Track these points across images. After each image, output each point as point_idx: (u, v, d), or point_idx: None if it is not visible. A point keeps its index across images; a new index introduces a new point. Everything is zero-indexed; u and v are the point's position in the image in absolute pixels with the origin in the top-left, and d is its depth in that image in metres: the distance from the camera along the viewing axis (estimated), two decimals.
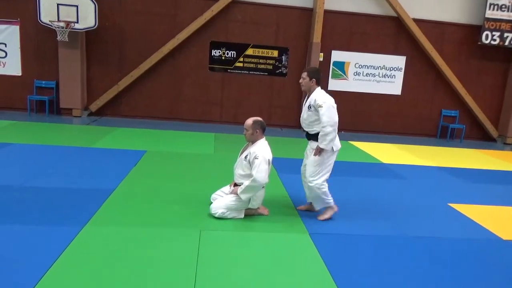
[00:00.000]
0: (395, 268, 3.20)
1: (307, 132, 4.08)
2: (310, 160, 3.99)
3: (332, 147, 3.92)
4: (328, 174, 4.03)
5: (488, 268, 3.33)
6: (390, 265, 3.25)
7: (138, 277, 2.79)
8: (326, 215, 4.09)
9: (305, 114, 4.03)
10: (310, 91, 4.03)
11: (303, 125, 4.10)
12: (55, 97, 9.09)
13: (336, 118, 3.88)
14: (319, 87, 4.02)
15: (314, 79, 3.98)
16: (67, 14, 8.32)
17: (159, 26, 9.19)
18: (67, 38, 8.38)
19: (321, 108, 3.83)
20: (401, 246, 3.63)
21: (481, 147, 9.52)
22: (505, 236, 4.02)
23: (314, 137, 3.97)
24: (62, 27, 8.30)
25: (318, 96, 3.92)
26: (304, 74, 4.01)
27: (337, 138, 4.00)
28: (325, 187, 4.01)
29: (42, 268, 2.78)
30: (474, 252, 3.62)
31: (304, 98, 4.15)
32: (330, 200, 4.07)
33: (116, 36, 9.15)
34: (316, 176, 3.96)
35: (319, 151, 3.89)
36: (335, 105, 3.93)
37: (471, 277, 3.16)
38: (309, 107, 3.96)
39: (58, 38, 8.36)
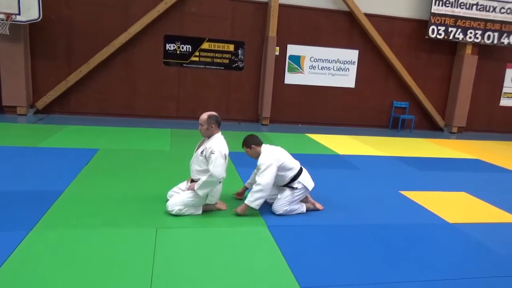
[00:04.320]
0: (349, 255, 3.29)
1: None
2: (284, 199, 4.01)
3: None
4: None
5: (437, 250, 3.51)
6: (345, 252, 3.34)
7: (91, 280, 2.66)
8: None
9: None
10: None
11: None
12: None
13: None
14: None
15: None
16: (7, 5, 7.78)
17: (109, 18, 8.83)
18: (8, 31, 7.84)
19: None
20: (355, 234, 3.74)
21: (429, 136, 10.03)
22: (451, 220, 4.26)
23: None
24: (2, 19, 7.75)
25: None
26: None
27: (309, 177, 4.12)
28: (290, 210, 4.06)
29: None
30: (424, 236, 3.80)
31: None
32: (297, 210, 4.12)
33: (63, 29, 8.69)
34: (281, 209, 4.00)
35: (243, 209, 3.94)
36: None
37: (421, 258, 3.31)
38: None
39: None
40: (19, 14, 7.86)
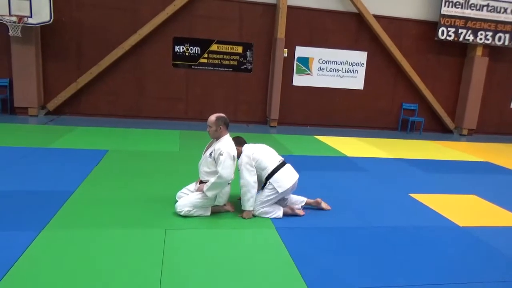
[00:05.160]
0: (358, 258, 3.28)
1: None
2: (257, 200, 3.96)
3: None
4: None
5: (447, 253, 3.48)
6: (354, 255, 3.33)
7: (100, 280, 2.69)
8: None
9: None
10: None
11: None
12: (9, 96, 8.63)
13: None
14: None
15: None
16: (19, 8, 7.90)
17: (119, 21, 8.91)
18: (20, 34, 7.96)
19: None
20: (364, 236, 3.72)
21: (439, 139, 9.94)
22: (461, 223, 4.22)
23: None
24: (14, 22, 7.87)
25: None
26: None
27: (285, 178, 3.97)
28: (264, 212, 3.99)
29: None
30: (434, 239, 3.77)
31: None
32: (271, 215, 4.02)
33: (74, 31, 8.79)
34: (256, 211, 3.97)
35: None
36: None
37: (430, 262, 3.28)
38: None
39: (10, 33, 7.94)
40: (30, 16, 7.97)
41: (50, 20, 8.14)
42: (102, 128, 7.96)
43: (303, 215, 4.11)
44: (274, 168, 3.98)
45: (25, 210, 3.70)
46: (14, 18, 7.87)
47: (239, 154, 3.99)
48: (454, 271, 3.18)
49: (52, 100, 8.89)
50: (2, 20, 7.88)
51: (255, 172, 3.93)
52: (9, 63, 8.43)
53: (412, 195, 5.07)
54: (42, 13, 8.06)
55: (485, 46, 10.44)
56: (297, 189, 4.14)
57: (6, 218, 3.51)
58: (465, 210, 4.70)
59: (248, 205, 3.89)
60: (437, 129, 11.13)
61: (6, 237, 3.16)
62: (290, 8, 9.45)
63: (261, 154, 4.02)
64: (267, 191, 3.95)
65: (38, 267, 2.79)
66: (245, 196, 3.88)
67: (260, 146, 4.14)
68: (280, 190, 3.92)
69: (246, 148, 4.03)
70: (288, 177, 3.99)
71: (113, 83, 9.19)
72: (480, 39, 10.26)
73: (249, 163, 3.91)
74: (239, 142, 4.04)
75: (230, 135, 3.98)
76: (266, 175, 3.96)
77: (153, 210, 3.93)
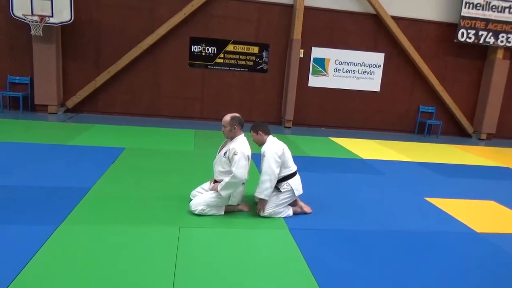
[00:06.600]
0: (371, 261, 3.25)
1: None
2: (270, 201, 3.94)
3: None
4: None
5: (462, 260, 3.42)
6: (368, 258, 3.30)
7: (115, 275, 2.73)
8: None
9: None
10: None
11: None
12: (30, 94, 8.83)
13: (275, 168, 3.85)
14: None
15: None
16: (41, 8, 8.08)
17: (137, 21, 9.03)
18: (41, 33, 8.14)
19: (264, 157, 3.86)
20: (378, 240, 3.68)
21: (457, 143, 9.77)
22: (478, 229, 4.13)
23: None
24: (36, 21, 8.06)
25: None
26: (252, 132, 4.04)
27: (299, 183, 4.04)
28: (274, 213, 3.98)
29: (15, 268, 2.69)
30: (449, 245, 3.70)
31: None
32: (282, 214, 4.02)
33: (93, 31, 8.94)
34: (267, 211, 3.94)
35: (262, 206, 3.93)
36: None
37: (446, 269, 3.23)
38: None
39: (32, 32, 8.12)
40: (52, 16, 8.15)
41: (71, 19, 8.31)
42: (119, 127, 8.08)
43: (311, 212, 4.14)
44: (295, 171, 4.05)
45: (44, 206, 3.79)
46: (36, 18, 8.06)
47: (261, 142, 3.98)
48: (471, 279, 3.12)
49: (71, 98, 9.07)
50: (25, 20, 8.07)
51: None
52: (31, 61, 8.63)
53: (428, 199, 5.00)
54: (63, 13, 8.23)
55: (506, 48, 10.21)
56: (313, 189, 4.12)
57: (26, 213, 3.60)
58: (483, 216, 4.61)
59: (265, 194, 3.84)
60: (455, 132, 10.93)
61: (25, 231, 3.24)
62: (307, 8, 9.42)
63: (289, 153, 4.06)
64: (283, 195, 3.96)
65: (55, 261, 2.85)
66: (264, 184, 3.83)
67: (283, 143, 4.11)
68: (297, 193, 4.00)
69: (275, 140, 4.01)
70: (300, 182, 4.08)
71: (130, 82, 9.32)
72: (501, 41, 10.04)
73: (279, 155, 3.87)
74: (266, 131, 4.02)
75: (245, 135, 3.99)
76: (285, 175, 3.97)
77: (168, 208, 3.97)
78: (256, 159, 5.43)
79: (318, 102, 10.16)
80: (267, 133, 4.03)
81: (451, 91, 10.51)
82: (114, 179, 4.75)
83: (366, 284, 2.91)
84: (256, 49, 9.68)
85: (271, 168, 3.81)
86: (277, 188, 3.98)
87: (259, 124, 4.07)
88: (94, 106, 9.31)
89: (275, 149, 3.88)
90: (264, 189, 3.84)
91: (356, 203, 4.58)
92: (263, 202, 3.91)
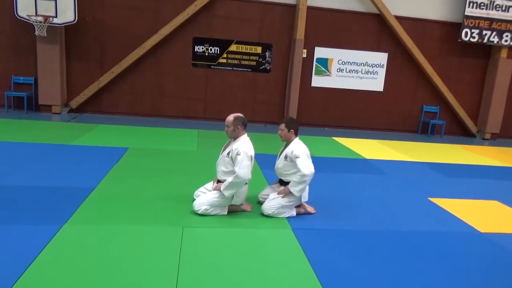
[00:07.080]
0: (374, 261, 3.24)
1: (281, 180, 4.14)
2: (276, 199, 3.96)
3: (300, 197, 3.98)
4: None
5: (466, 260, 3.41)
6: (371, 258, 3.30)
7: (119, 275, 2.75)
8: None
9: (280, 163, 4.06)
10: (288, 141, 4.05)
11: (278, 173, 4.15)
12: (34, 94, 8.88)
13: (312, 167, 3.88)
14: (297, 138, 4.05)
15: (292, 130, 4.00)
16: (45, 8, 8.12)
17: (141, 21, 9.05)
18: (45, 33, 8.18)
19: (298, 158, 3.86)
20: (381, 240, 3.68)
21: (460, 142, 9.73)
22: (482, 229, 4.12)
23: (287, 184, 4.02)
24: (40, 22, 8.10)
25: (296, 147, 3.94)
26: (282, 126, 4.02)
27: (307, 190, 4.06)
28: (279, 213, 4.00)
29: (19, 268, 2.71)
30: (452, 245, 3.70)
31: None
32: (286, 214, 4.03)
33: (97, 31, 8.97)
34: (272, 211, 3.95)
35: (286, 193, 3.92)
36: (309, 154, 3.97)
37: (449, 269, 3.22)
38: (285, 157, 3.99)
39: (36, 33, 8.16)
40: (56, 16, 8.19)
41: (75, 20, 8.34)
42: (123, 127, 8.11)
43: (315, 212, 4.15)
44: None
45: (48, 205, 3.81)
46: (40, 18, 8.09)
47: (287, 140, 4.02)
48: (475, 279, 3.11)
49: (75, 98, 9.10)
50: (29, 20, 8.11)
51: None
52: (35, 62, 8.67)
53: (431, 199, 4.98)
54: (67, 13, 8.27)
55: (510, 48, 10.15)
56: (316, 190, 4.12)
57: (30, 213, 3.62)
58: (486, 216, 4.59)
59: (299, 193, 3.87)
60: (459, 132, 10.89)
61: (29, 231, 3.26)
62: (310, 8, 9.41)
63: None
64: (289, 198, 3.95)
65: (59, 260, 2.87)
66: (302, 185, 3.84)
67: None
68: (302, 200, 4.04)
69: (302, 143, 4.03)
70: (308, 188, 4.10)
71: (133, 82, 9.34)
72: (506, 40, 9.99)
73: (308, 154, 3.92)
74: (297, 132, 4.04)
75: (248, 135, 4.00)
76: None
77: (171, 208, 3.98)
78: (258, 159, 5.43)
79: (321, 102, 10.15)
80: (297, 134, 4.06)
81: (455, 91, 10.47)
82: (117, 179, 4.77)
83: (369, 284, 2.91)
84: (259, 49, 9.68)
85: (310, 169, 3.84)
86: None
87: (295, 122, 4.09)
88: (97, 106, 9.34)
89: (306, 149, 3.93)
90: (301, 190, 3.87)
91: (359, 203, 4.58)
92: (290, 193, 3.91)
